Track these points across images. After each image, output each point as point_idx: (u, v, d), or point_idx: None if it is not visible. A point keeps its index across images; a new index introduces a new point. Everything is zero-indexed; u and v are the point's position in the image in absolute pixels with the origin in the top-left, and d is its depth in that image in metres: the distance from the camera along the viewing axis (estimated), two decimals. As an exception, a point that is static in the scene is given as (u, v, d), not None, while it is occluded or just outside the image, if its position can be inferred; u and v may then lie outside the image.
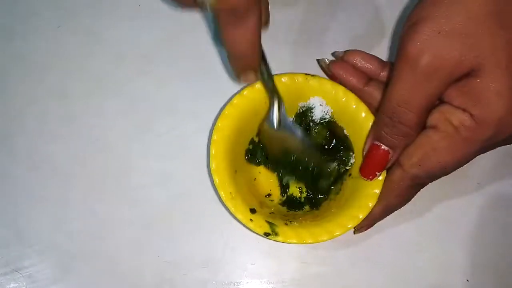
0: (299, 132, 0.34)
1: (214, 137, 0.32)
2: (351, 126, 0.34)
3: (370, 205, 0.32)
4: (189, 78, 0.38)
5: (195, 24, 0.39)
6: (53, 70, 0.38)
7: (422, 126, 0.30)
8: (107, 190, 0.36)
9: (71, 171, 0.36)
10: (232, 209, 0.31)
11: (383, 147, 0.31)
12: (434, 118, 0.29)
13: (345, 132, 0.34)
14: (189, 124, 0.37)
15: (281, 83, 0.33)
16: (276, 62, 0.36)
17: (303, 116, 0.35)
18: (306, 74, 0.33)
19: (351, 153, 0.34)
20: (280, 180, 0.36)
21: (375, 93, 0.33)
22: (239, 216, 0.31)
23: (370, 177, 0.32)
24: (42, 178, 0.36)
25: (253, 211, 0.32)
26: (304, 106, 0.35)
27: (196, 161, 0.37)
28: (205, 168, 0.36)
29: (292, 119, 0.35)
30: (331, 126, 0.35)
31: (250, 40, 0.27)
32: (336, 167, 0.35)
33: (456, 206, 0.36)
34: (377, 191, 0.32)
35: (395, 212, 0.33)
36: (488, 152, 0.30)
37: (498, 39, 0.26)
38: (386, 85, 0.31)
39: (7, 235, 0.35)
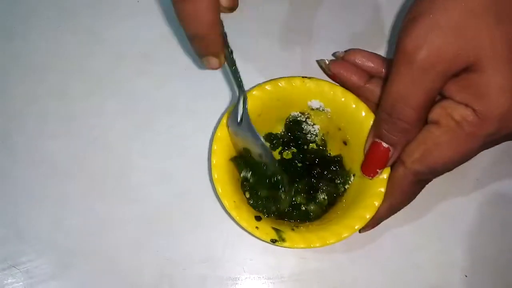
0: (260, 137, 0.32)
1: (214, 147, 0.32)
2: (351, 126, 0.33)
3: (376, 204, 0.31)
4: (189, 76, 0.38)
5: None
6: (53, 69, 0.38)
7: (423, 123, 0.30)
8: (107, 189, 0.36)
9: (70, 169, 0.36)
10: (237, 218, 0.31)
11: (384, 144, 0.31)
12: (436, 113, 0.29)
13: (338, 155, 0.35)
14: (189, 123, 0.37)
15: (278, 87, 0.33)
16: (275, 63, 0.36)
17: (295, 126, 0.35)
18: (303, 77, 0.33)
19: (347, 174, 0.34)
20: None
21: (377, 90, 0.33)
22: (244, 224, 0.31)
23: (372, 175, 0.32)
24: (41, 176, 0.36)
25: (258, 218, 0.32)
26: (296, 116, 0.35)
27: (195, 159, 0.36)
28: (204, 167, 0.36)
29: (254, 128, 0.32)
30: (321, 151, 0.35)
31: (205, 19, 0.27)
32: (323, 191, 0.34)
33: (455, 203, 0.36)
34: (382, 189, 0.32)
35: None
36: (487, 149, 0.30)
37: (496, 32, 0.26)
38: (384, 82, 0.30)
39: (7, 233, 0.35)
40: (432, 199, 0.36)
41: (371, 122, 0.32)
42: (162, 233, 0.35)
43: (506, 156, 0.37)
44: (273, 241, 0.31)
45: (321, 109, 0.34)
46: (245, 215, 0.31)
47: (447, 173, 0.31)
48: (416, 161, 0.30)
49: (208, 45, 0.29)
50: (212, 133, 0.37)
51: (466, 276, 0.35)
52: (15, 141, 0.37)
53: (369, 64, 0.35)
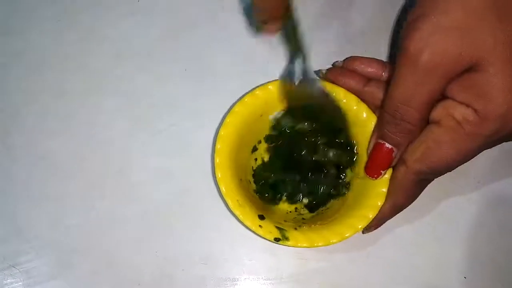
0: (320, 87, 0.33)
1: (218, 146, 0.32)
2: (353, 127, 0.34)
3: (379, 204, 0.31)
4: (189, 74, 0.38)
5: (194, 21, 0.39)
6: (52, 68, 0.38)
7: (426, 122, 0.30)
8: (107, 188, 0.36)
9: (70, 168, 0.36)
10: (241, 217, 0.31)
11: (387, 145, 0.31)
12: (437, 113, 0.29)
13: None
14: (189, 120, 0.37)
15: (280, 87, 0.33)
16: (276, 63, 0.36)
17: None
18: None
19: (354, 152, 0.34)
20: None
21: (376, 91, 0.33)
22: (247, 223, 0.31)
23: (375, 176, 0.32)
24: (41, 175, 0.36)
25: (261, 217, 0.32)
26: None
27: (195, 157, 0.36)
28: (205, 165, 0.36)
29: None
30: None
31: None
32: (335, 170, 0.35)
33: (455, 203, 0.36)
34: (385, 189, 0.32)
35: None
36: (487, 150, 0.30)
37: (498, 32, 0.26)
38: (388, 84, 0.31)
39: (6, 231, 0.35)
40: (432, 200, 0.36)
41: (373, 124, 0.33)
42: (162, 232, 0.35)
43: (507, 156, 0.37)
44: (277, 240, 0.31)
45: None
46: (249, 214, 0.31)
47: (447, 173, 0.31)
48: (417, 161, 0.30)
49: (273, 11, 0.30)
50: (214, 132, 0.37)
51: (465, 277, 0.35)
52: (14, 138, 0.37)
53: (369, 70, 0.34)
